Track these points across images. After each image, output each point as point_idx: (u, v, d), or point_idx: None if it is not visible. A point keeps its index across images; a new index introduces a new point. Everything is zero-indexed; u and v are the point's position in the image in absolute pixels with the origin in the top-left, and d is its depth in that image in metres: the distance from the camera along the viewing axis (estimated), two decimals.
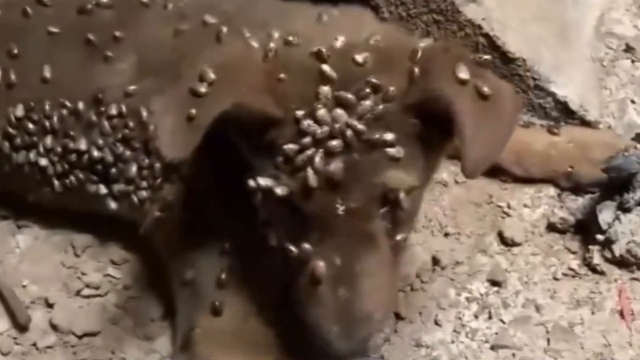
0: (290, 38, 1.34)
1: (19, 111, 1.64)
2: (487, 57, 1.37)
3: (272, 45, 1.33)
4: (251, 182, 1.32)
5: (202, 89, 1.26)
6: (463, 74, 1.26)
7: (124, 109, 1.59)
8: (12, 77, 1.65)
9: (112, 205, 1.65)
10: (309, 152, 1.27)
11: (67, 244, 1.76)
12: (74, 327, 1.62)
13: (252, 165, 1.35)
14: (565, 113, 1.88)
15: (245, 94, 1.26)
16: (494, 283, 1.66)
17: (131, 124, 1.59)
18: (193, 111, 1.24)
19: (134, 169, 1.60)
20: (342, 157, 1.26)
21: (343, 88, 1.28)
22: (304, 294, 1.33)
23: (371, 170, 1.27)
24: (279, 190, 1.29)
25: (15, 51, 1.66)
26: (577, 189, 1.80)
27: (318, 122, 1.27)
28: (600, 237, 1.67)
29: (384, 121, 1.28)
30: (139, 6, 1.66)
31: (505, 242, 1.73)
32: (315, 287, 1.30)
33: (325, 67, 1.28)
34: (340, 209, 1.27)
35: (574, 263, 1.69)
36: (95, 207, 1.69)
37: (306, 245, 1.31)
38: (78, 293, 1.68)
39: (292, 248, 1.33)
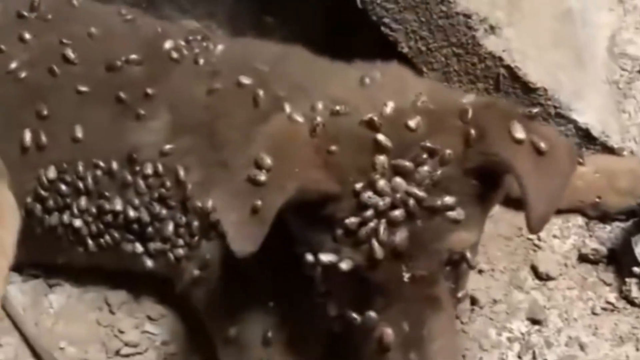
0: (337, 108, 1.32)
1: (51, 173, 1.61)
2: (535, 109, 1.37)
3: (319, 118, 1.31)
4: (309, 258, 1.31)
5: (262, 177, 1.25)
6: (519, 133, 1.27)
7: (160, 168, 1.57)
8: (43, 138, 1.62)
9: (148, 263, 1.63)
10: (372, 224, 1.25)
11: (102, 301, 1.73)
12: None
13: (305, 238, 1.33)
14: (587, 140, 1.88)
15: (304, 176, 1.24)
16: (534, 321, 1.66)
17: (168, 183, 1.57)
18: (258, 203, 1.23)
19: (170, 227, 1.59)
20: (405, 226, 1.26)
21: (399, 156, 1.27)
22: None
23: (435, 236, 1.27)
24: (344, 265, 1.27)
25: (45, 112, 1.63)
26: (605, 218, 1.82)
27: (378, 193, 1.26)
28: (637, 269, 1.68)
29: (443, 185, 1.27)
30: (168, 62, 1.63)
31: (540, 276, 1.74)
32: (384, 354, 1.29)
33: (380, 137, 1.27)
34: (406, 276, 1.27)
35: (612, 296, 1.70)
36: (131, 266, 1.66)
37: (371, 314, 1.30)
38: (117, 352, 1.66)
39: (356, 317, 1.32)
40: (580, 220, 1.83)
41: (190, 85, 1.60)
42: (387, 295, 1.28)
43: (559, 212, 1.82)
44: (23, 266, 1.74)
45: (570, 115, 1.87)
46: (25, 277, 1.76)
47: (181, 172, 1.56)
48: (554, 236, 1.81)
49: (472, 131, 1.28)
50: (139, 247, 1.62)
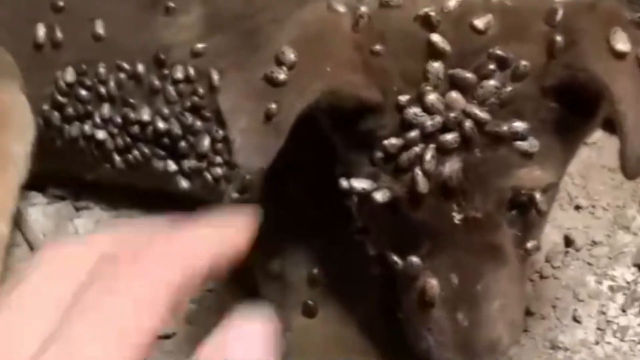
0: None
1: (69, 75, 1.42)
2: None
3: (363, 9, 1.05)
4: (344, 183, 1.07)
5: (281, 75, 1.00)
6: (621, 44, 0.97)
7: (191, 71, 1.36)
8: (59, 34, 1.42)
9: (183, 183, 1.44)
10: (417, 149, 1.00)
11: None
12: None
13: (343, 158, 1.10)
14: None
15: (334, 77, 1.00)
16: None
17: (201, 90, 1.36)
18: (273, 106, 0.99)
19: (206, 142, 1.38)
20: (459, 155, 1.00)
21: (459, 64, 1.00)
22: (413, 316, 1.10)
23: (497, 170, 1.01)
24: (379, 196, 1.03)
25: (61, 3, 1.43)
26: None
27: (427, 110, 1.00)
28: None
29: (514, 106, 1.00)
30: None
31: None
32: (428, 309, 1.07)
33: (435, 37, 1.00)
34: (457, 217, 1.02)
35: None
36: (165, 186, 1.47)
37: (414, 259, 1.06)
38: None
39: (397, 260, 1.09)
40: None
41: None
42: (434, 240, 1.05)
43: None
44: (47, 186, 1.57)
45: None
46: (50, 199, 1.58)
47: (215, 77, 1.34)
48: None
49: (558, 37, 1.00)
50: (172, 165, 1.42)
